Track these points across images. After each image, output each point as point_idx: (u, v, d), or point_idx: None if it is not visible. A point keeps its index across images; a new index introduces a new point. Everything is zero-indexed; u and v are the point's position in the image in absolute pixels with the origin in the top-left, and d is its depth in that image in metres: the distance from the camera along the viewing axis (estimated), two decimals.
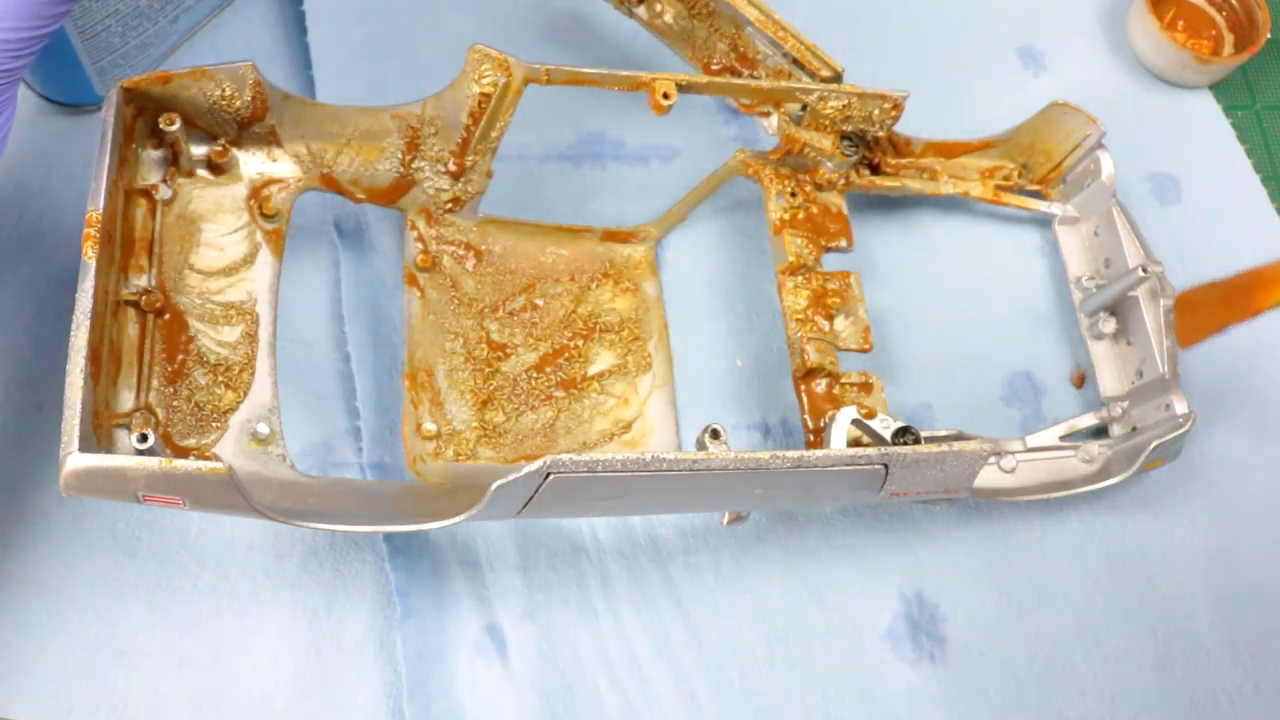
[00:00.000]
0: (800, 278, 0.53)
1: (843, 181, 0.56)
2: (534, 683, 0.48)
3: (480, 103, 0.49)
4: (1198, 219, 0.64)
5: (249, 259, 0.48)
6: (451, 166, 0.52)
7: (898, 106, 0.54)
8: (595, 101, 0.59)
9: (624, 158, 0.60)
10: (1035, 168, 0.61)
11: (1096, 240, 0.59)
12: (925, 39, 0.67)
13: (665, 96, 0.49)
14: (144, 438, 0.41)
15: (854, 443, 0.47)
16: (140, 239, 0.46)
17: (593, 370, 0.53)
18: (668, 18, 0.56)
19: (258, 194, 0.49)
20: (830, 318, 0.52)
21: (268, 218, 0.49)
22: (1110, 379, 0.57)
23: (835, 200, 0.56)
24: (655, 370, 0.54)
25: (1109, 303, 0.57)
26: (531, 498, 0.42)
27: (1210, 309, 0.52)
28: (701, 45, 0.56)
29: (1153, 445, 0.51)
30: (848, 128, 0.55)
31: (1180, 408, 0.53)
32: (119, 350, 0.44)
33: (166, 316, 0.46)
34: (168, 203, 0.47)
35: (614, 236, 0.57)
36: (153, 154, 0.47)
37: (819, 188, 0.56)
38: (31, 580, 0.46)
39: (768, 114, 0.55)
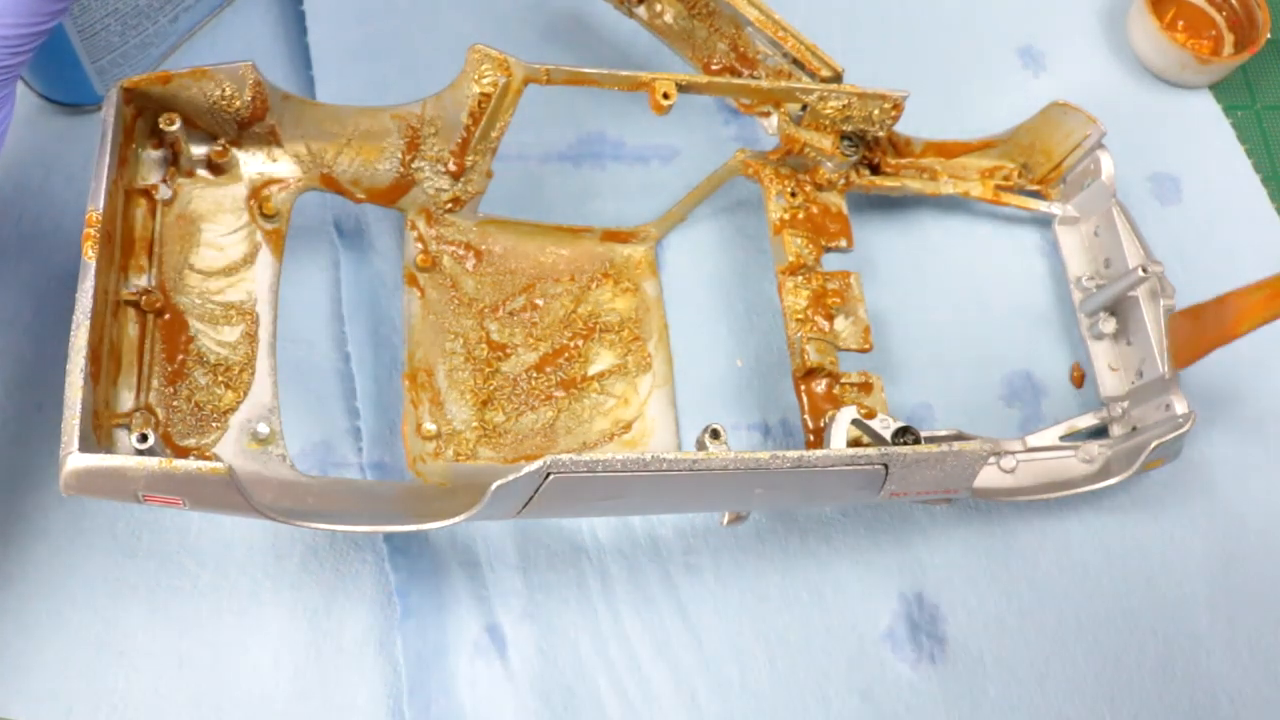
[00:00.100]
0: (800, 278, 0.53)
1: (843, 181, 0.56)
2: (534, 683, 0.48)
3: (480, 103, 0.49)
4: (1198, 219, 0.64)
5: (249, 259, 0.48)
6: (451, 166, 0.52)
7: (898, 106, 0.54)
8: (595, 101, 0.59)
9: (624, 158, 0.60)
10: (1035, 168, 0.61)
11: (1096, 240, 0.59)
12: (925, 39, 0.67)
13: (665, 96, 0.49)
14: (144, 438, 0.41)
15: (854, 443, 0.47)
16: (140, 239, 0.46)
17: (593, 370, 0.53)
18: (668, 18, 0.56)
19: (258, 194, 0.49)
20: (830, 318, 0.52)
21: (268, 218, 0.49)
22: (1110, 379, 0.57)
23: (835, 200, 0.56)
24: (655, 370, 0.54)
25: (1109, 303, 0.57)
26: (531, 498, 0.42)
27: (1192, 335, 0.52)
28: (701, 45, 0.56)
29: (1153, 445, 0.51)
30: (848, 128, 0.55)
31: (1180, 408, 0.53)
32: (119, 350, 0.44)
33: (166, 316, 0.46)
34: (168, 203, 0.47)
35: (614, 236, 0.57)
36: (153, 154, 0.47)
37: (819, 188, 0.56)
38: (31, 580, 0.46)
39: (768, 114, 0.55)
